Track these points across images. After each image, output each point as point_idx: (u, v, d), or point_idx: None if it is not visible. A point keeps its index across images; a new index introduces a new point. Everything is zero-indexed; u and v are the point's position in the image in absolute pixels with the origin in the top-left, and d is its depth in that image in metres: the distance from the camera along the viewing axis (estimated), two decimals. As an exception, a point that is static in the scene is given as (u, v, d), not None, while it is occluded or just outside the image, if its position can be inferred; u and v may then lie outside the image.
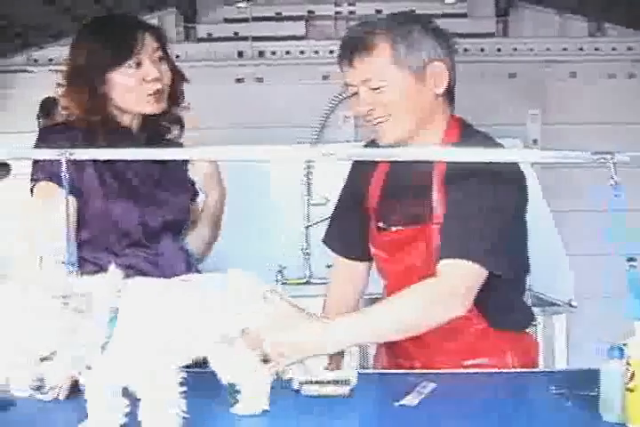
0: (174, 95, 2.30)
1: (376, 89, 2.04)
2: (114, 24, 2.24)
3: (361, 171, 2.27)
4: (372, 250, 2.26)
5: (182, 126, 2.37)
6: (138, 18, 2.37)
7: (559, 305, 3.81)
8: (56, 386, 1.42)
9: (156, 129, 2.31)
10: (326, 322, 1.90)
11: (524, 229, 2.11)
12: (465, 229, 1.94)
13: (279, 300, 1.77)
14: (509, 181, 1.98)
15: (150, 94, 2.18)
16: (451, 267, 1.91)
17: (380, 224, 2.19)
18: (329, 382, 1.86)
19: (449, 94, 2.12)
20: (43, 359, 1.37)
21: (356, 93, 2.09)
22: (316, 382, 1.86)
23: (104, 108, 2.19)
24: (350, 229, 2.34)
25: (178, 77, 2.30)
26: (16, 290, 1.39)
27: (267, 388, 1.73)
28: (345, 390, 1.85)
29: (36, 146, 2.17)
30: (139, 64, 2.16)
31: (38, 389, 1.37)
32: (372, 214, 2.23)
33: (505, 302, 2.11)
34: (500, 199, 1.96)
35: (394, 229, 2.15)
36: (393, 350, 2.25)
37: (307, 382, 1.86)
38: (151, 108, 2.21)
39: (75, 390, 1.78)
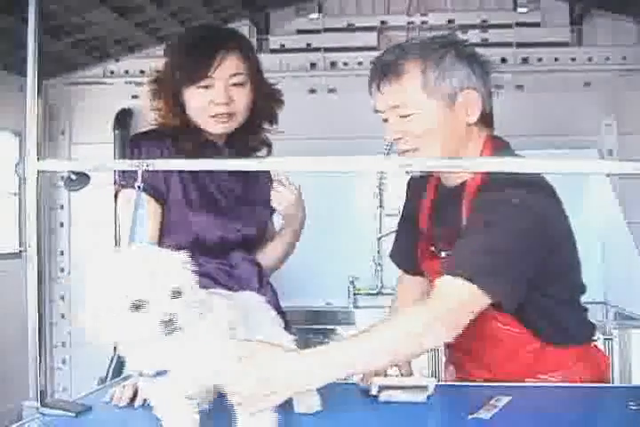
0: (259, 116, 2.29)
1: (405, 117, 1.96)
2: (201, 40, 2.21)
3: (414, 190, 2.25)
4: (426, 273, 2.21)
5: (270, 148, 2.38)
6: (232, 34, 2.29)
7: (636, 319, 3.73)
8: (181, 328, 1.41)
9: (242, 146, 2.32)
10: (300, 353, 1.63)
11: (567, 247, 1.98)
12: (468, 247, 1.84)
13: None
14: (536, 204, 1.85)
15: (214, 116, 2.19)
16: (445, 286, 1.78)
17: (432, 248, 2.13)
18: (408, 388, 1.86)
19: (484, 119, 2.01)
20: (172, 296, 1.39)
21: (385, 120, 2.02)
22: (396, 388, 1.87)
23: (184, 115, 2.21)
24: (411, 245, 2.27)
25: (267, 99, 2.30)
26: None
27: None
28: (423, 396, 1.85)
29: (129, 151, 2.20)
30: (210, 86, 2.16)
31: (167, 325, 1.38)
32: (423, 236, 2.18)
33: (557, 320, 2.03)
34: (521, 223, 1.82)
35: (443, 254, 2.08)
36: (455, 369, 2.22)
37: (386, 388, 1.87)
38: (216, 128, 2.21)
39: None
